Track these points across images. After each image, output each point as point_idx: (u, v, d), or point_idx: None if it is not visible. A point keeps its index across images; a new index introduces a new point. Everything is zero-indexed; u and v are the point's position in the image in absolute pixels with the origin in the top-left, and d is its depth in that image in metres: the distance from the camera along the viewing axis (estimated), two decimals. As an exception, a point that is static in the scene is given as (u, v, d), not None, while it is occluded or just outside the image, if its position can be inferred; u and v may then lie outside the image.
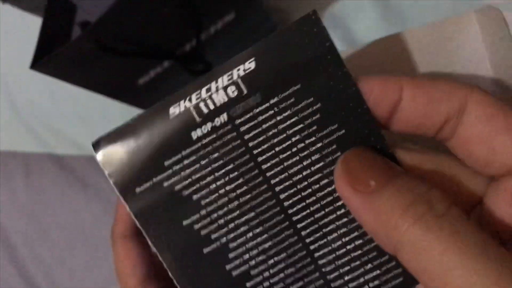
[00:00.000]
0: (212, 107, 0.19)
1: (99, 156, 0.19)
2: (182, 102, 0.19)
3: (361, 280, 0.20)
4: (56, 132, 0.53)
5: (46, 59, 0.31)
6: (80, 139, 0.51)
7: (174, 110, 0.19)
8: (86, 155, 0.51)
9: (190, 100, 0.19)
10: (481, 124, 0.18)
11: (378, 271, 0.20)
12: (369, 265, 0.20)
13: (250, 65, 0.19)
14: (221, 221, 0.19)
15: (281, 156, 0.19)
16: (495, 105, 0.18)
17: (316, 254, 0.20)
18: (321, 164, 0.19)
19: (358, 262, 0.20)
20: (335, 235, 0.19)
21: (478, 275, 0.14)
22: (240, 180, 0.19)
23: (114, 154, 0.19)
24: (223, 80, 0.19)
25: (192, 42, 0.38)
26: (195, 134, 0.19)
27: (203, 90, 0.19)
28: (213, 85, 0.19)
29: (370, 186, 0.17)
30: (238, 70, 0.19)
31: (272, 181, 0.19)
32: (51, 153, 0.53)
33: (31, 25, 0.38)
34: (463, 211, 0.16)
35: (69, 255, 0.52)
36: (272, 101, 0.19)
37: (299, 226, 0.19)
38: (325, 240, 0.20)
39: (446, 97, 0.18)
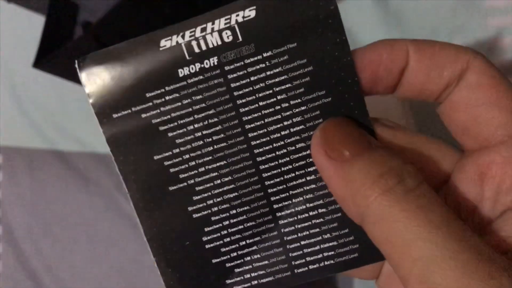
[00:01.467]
0: (204, 47, 0.18)
1: (83, 74, 0.19)
2: (174, 36, 0.18)
3: (317, 247, 0.20)
4: (60, 128, 0.53)
5: (47, 58, 0.32)
6: (83, 136, 0.52)
7: (165, 44, 0.18)
8: (89, 152, 0.51)
9: (183, 36, 0.18)
10: (470, 91, 0.17)
11: (335, 242, 0.20)
12: (327, 235, 0.20)
13: (250, 13, 0.18)
14: (192, 163, 0.19)
15: (263, 112, 0.19)
16: (492, 74, 0.17)
17: (278, 214, 0.20)
18: (301, 127, 0.19)
19: (317, 230, 0.20)
20: (300, 199, 0.20)
21: (437, 247, 0.15)
22: (219, 127, 0.19)
23: (97, 75, 0.19)
24: (220, 23, 0.18)
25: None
26: (182, 72, 0.19)
27: (198, 29, 0.18)
28: (209, 26, 0.18)
29: (344, 156, 0.17)
30: (237, 15, 0.18)
31: (250, 134, 0.19)
32: (55, 149, 0.54)
33: (36, 23, 0.38)
34: (432, 188, 0.16)
35: (71, 250, 0.52)
36: (265, 54, 0.19)
37: (267, 183, 0.20)
38: (289, 201, 0.20)
39: (450, 62, 0.18)
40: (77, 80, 0.37)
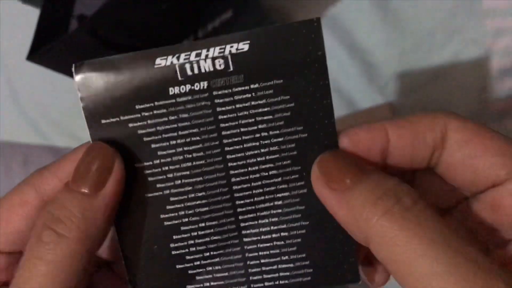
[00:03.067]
0: (196, 71, 0.20)
1: (77, 78, 0.20)
2: (170, 57, 0.20)
3: (274, 267, 0.21)
4: (56, 124, 0.53)
5: (42, 50, 0.32)
6: (79, 132, 0.52)
7: (160, 62, 0.20)
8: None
9: (178, 58, 0.20)
10: (461, 149, 0.19)
11: (291, 265, 0.21)
12: (286, 257, 0.21)
13: (244, 46, 0.19)
14: (170, 175, 0.20)
15: (243, 137, 0.20)
16: (472, 129, 0.19)
17: (244, 232, 0.21)
18: (276, 156, 0.20)
19: (277, 251, 0.21)
20: (266, 221, 0.21)
21: (439, 263, 0.15)
22: (200, 145, 0.20)
23: (92, 81, 0.20)
24: (215, 51, 0.20)
25: (189, 39, 0.39)
26: (172, 90, 0.20)
27: (193, 53, 0.20)
28: (203, 52, 0.20)
29: (345, 184, 0.18)
30: (231, 47, 0.20)
31: (228, 156, 0.20)
32: (51, 145, 0.53)
33: (32, 17, 0.38)
34: (429, 204, 0.17)
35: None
36: (252, 86, 0.20)
37: (238, 203, 0.21)
38: (256, 222, 0.21)
39: (429, 129, 0.19)
40: (71, 74, 0.37)
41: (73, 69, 0.20)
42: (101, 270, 0.24)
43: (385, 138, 0.19)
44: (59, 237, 0.18)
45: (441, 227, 0.16)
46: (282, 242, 0.21)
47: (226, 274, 0.21)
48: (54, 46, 0.32)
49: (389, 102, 0.44)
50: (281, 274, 0.21)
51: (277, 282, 0.21)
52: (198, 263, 0.21)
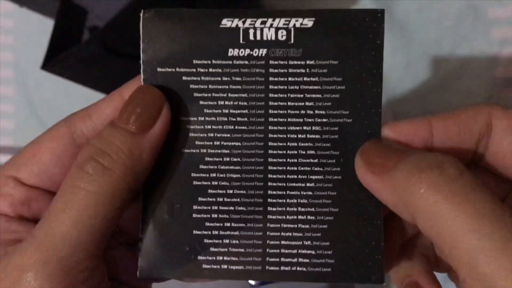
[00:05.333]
0: (258, 37, 0.20)
1: (143, 23, 0.20)
2: (236, 19, 0.20)
3: (294, 251, 0.20)
4: (70, 130, 0.55)
5: (55, 60, 0.33)
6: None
7: (226, 23, 0.20)
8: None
9: (244, 22, 0.20)
10: (507, 136, 0.19)
11: (312, 251, 0.20)
12: (308, 242, 0.20)
13: (308, 23, 0.20)
14: (211, 134, 0.21)
15: (289, 111, 0.20)
16: None
17: (270, 208, 0.21)
18: (317, 136, 0.20)
19: (300, 234, 0.20)
20: (294, 201, 0.21)
21: (485, 238, 0.15)
22: (245, 111, 0.21)
23: (156, 29, 0.20)
24: (280, 22, 0.20)
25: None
26: (232, 52, 0.20)
27: (259, 20, 0.20)
28: (269, 21, 0.20)
29: (387, 166, 0.18)
30: (297, 21, 0.20)
31: (270, 128, 0.21)
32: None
33: (48, 27, 0.40)
34: (475, 176, 0.17)
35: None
36: (308, 62, 0.20)
37: (270, 176, 0.21)
38: (284, 200, 0.21)
39: (473, 119, 0.19)
40: (84, 82, 0.38)
41: (141, 14, 0.20)
42: (122, 246, 0.23)
43: (429, 131, 0.19)
44: (105, 170, 0.18)
45: (488, 200, 0.16)
46: (307, 226, 0.20)
47: (243, 250, 0.21)
48: (67, 56, 0.33)
49: (393, 111, 0.44)
50: (300, 260, 0.20)
51: (294, 268, 0.20)
52: (216, 232, 0.21)
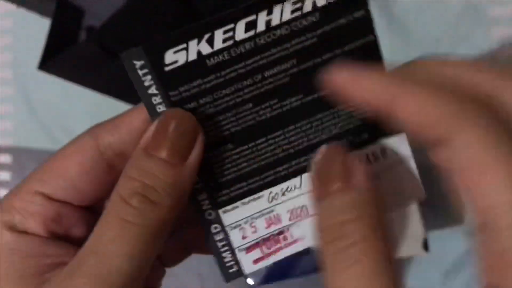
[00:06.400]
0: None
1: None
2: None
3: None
4: (70, 131, 0.55)
5: (52, 60, 0.33)
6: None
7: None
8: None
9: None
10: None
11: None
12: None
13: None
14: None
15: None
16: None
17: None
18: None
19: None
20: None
21: None
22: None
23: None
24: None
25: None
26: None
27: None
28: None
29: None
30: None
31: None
32: (64, 151, 0.55)
33: (46, 27, 0.40)
34: None
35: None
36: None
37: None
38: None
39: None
40: (81, 82, 0.38)
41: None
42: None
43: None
44: (152, 204, 0.18)
45: None
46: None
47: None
48: (64, 56, 0.33)
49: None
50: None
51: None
52: None
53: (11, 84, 0.54)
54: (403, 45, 0.45)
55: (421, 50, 0.44)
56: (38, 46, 0.43)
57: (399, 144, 0.21)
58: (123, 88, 0.41)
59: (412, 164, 0.21)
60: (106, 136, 0.20)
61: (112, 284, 0.17)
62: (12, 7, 0.47)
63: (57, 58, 0.33)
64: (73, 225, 0.21)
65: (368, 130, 0.21)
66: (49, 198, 0.20)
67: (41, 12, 0.39)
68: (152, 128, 0.19)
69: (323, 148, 0.20)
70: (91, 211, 0.21)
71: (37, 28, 0.50)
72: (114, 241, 0.18)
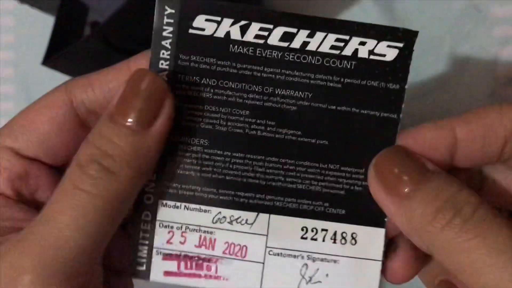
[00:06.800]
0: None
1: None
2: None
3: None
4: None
5: (56, 56, 0.33)
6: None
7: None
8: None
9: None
10: None
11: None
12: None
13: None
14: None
15: None
16: None
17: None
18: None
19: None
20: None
21: (503, 273, 0.15)
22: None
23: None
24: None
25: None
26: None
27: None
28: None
29: (402, 191, 0.17)
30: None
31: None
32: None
33: (49, 24, 0.40)
34: (492, 208, 0.17)
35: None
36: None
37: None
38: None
39: (498, 120, 0.18)
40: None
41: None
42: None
43: (453, 136, 0.19)
44: (109, 173, 0.17)
45: (504, 234, 0.16)
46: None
47: None
48: (68, 52, 0.33)
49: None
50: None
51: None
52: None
53: (12, 82, 0.54)
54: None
55: (423, 49, 0.45)
56: (40, 45, 0.43)
57: (374, 238, 0.20)
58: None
59: (378, 268, 0.20)
60: (80, 94, 0.19)
61: (61, 255, 0.16)
62: (14, 4, 0.47)
63: (61, 54, 0.33)
64: (40, 187, 0.20)
65: (348, 207, 0.20)
66: (17, 153, 0.19)
67: (44, 8, 0.39)
68: (120, 91, 0.18)
69: (383, 152, 0.19)
70: (61, 174, 0.20)
71: (39, 26, 0.50)
72: (65, 210, 0.17)
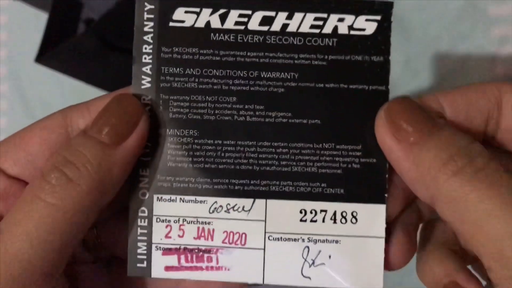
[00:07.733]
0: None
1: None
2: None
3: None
4: (64, 128, 0.54)
5: (50, 53, 0.32)
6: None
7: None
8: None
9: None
10: None
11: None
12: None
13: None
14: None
15: None
16: None
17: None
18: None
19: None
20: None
21: (511, 226, 0.15)
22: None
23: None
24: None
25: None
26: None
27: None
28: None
29: (412, 137, 0.17)
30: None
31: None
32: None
33: (42, 21, 0.39)
34: (501, 165, 0.16)
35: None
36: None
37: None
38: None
39: (481, 95, 0.18)
40: (78, 76, 0.38)
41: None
42: (90, 263, 0.22)
43: (439, 106, 0.19)
44: (68, 182, 0.17)
45: None
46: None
47: None
48: (62, 49, 0.33)
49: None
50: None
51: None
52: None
53: (5, 81, 0.53)
54: (403, 43, 0.45)
55: (421, 48, 0.44)
56: (33, 43, 0.43)
57: (375, 215, 0.19)
58: (121, 82, 0.40)
59: (381, 245, 0.19)
60: (76, 117, 0.19)
61: (12, 269, 0.16)
62: (6, 1, 0.46)
63: (54, 51, 0.33)
64: None
65: (347, 186, 0.19)
66: (2, 172, 0.19)
67: (38, 5, 0.38)
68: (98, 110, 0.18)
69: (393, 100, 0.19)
70: None
71: (32, 24, 0.50)
72: (20, 220, 0.16)
